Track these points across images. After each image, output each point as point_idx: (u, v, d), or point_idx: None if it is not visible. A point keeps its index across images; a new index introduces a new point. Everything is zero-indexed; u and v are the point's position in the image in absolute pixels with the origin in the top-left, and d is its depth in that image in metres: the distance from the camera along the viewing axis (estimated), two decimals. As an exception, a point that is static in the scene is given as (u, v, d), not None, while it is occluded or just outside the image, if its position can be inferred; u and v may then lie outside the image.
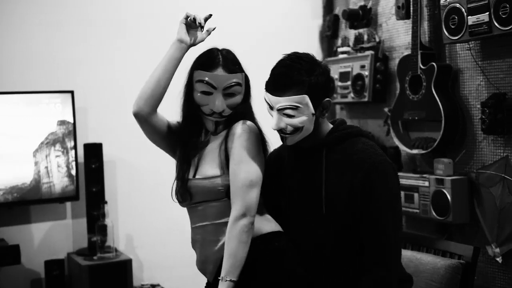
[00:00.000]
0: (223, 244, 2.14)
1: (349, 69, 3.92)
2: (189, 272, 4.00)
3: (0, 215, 3.56)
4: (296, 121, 2.13)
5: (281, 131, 2.16)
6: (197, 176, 2.22)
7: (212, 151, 2.24)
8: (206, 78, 2.19)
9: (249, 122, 2.22)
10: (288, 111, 2.12)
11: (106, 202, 3.58)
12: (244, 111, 2.25)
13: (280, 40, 4.29)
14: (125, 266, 3.51)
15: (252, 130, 2.20)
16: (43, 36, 3.69)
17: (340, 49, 4.08)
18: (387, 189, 2.14)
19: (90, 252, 3.57)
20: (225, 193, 2.18)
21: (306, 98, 2.11)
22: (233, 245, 2.09)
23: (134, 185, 3.94)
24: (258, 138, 2.21)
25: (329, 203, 2.16)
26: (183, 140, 2.28)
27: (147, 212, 3.97)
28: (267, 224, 2.22)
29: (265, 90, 2.18)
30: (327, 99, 2.18)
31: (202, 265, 2.26)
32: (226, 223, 2.15)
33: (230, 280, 2.06)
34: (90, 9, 3.81)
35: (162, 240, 4.00)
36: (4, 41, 3.60)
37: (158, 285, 3.86)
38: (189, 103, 2.26)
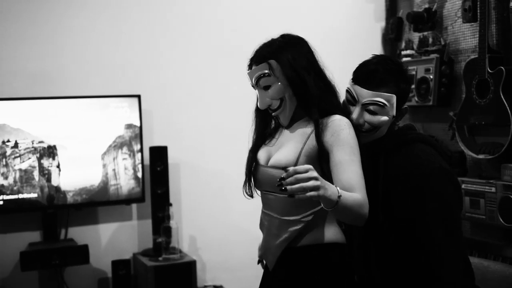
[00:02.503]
0: (284, 240, 2.12)
1: (413, 73, 3.87)
2: (252, 274, 4.05)
3: (70, 216, 3.67)
4: (376, 119, 2.14)
5: (357, 128, 2.15)
6: (269, 163, 2.16)
7: (291, 140, 2.15)
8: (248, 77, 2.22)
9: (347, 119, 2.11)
10: (373, 107, 2.13)
11: (171, 204, 3.64)
12: (314, 99, 2.12)
13: (342, 42, 4.29)
14: (190, 267, 3.56)
15: (352, 127, 2.10)
16: (111, 41, 3.79)
17: (404, 52, 4.04)
18: (438, 197, 2.09)
19: (155, 253, 3.64)
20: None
21: (394, 99, 2.13)
22: (356, 205, 1.94)
23: (197, 187, 3.99)
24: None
25: (385, 210, 2.15)
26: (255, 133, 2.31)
27: (210, 214, 4.03)
28: (330, 233, 2.15)
29: (352, 81, 2.19)
30: (406, 106, 2.20)
31: (264, 252, 2.23)
32: (290, 222, 2.11)
33: (339, 197, 1.87)
34: (156, 15, 3.88)
35: (225, 241, 4.05)
36: (73, 46, 3.71)
37: (221, 286, 3.91)
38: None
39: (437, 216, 2.08)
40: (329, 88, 2.18)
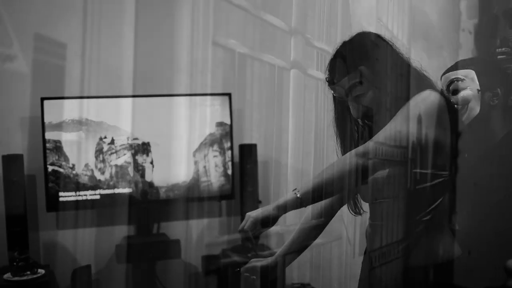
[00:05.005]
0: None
1: (509, 71, 3.75)
2: (339, 273, 4.05)
3: (162, 211, 3.76)
4: (459, 96, 2.19)
5: None
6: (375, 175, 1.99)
7: None
8: (332, 92, 2.06)
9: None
10: (453, 85, 2.20)
11: (260, 202, 3.67)
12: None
13: (433, 40, 4.20)
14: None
15: (438, 99, 1.86)
16: (204, 41, 3.85)
17: (499, 50, 3.91)
18: None
19: (244, 250, 3.68)
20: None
21: (472, 73, 2.20)
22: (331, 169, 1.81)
23: (286, 185, 4.01)
24: (444, 111, 1.86)
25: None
26: None
27: (298, 212, 4.02)
28: (443, 248, 1.98)
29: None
30: (498, 87, 2.21)
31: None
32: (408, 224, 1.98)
33: (296, 194, 1.85)
34: (248, 15, 3.92)
35: (312, 240, 4.04)
36: (168, 46, 3.79)
37: (309, 284, 3.90)
38: None
39: None
40: (420, 81, 1.97)
